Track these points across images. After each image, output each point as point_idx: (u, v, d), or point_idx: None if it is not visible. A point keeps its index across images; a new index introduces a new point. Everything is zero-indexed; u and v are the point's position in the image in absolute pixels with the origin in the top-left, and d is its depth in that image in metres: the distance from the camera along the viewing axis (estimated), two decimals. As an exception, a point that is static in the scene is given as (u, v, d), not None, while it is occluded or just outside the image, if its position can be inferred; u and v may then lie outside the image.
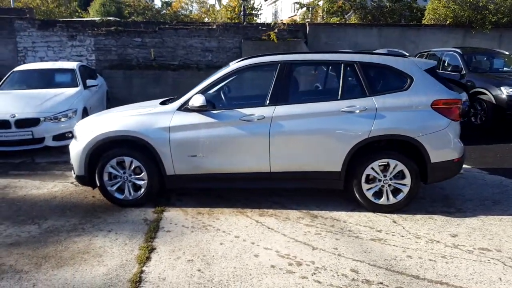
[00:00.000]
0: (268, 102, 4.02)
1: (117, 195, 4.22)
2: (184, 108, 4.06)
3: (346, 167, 3.96)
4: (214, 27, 12.09)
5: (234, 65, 4.22)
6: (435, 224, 3.75)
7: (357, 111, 3.88)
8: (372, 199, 4.02)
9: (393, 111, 3.89)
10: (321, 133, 3.93)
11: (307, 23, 13.21)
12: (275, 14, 38.52)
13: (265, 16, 38.90)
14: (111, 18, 13.40)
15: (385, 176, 3.96)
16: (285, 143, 3.98)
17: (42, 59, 11.09)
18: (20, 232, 3.65)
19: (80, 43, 11.41)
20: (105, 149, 4.15)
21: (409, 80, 3.96)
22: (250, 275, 2.89)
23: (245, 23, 12.77)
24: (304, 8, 20.82)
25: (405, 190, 3.97)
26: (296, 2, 22.59)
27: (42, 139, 6.18)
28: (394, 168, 3.93)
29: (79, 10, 25.08)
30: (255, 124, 3.96)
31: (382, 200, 4.01)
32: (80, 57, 11.43)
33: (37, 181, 5.10)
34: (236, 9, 28.29)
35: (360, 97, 3.94)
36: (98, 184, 4.20)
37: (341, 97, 3.98)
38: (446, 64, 9.63)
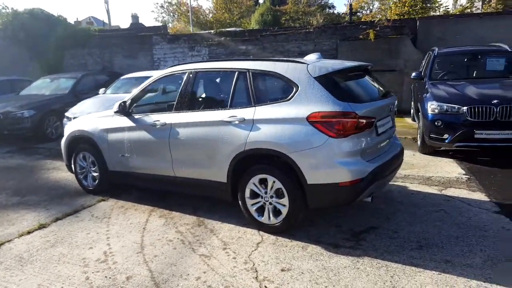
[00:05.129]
0: (174, 108, 4.24)
1: (83, 182, 5.23)
2: (117, 112, 4.70)
3: (231, 179, 3.82)
4: (311, 30, 12.00)
5: (156, 73, 4.60)
6: (293, 255, 3.24)
7: (236, 122, 3.69)
8: (255, 215, 3.75)
9: (269, 123, 3.53)
10: (208, 142, 3.89)
11: (417, 17, 11.53)
12: (455, 3, 33.69)
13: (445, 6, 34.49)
14: (223, 29, 14.93)
15: (266, 193, 3.64)
16: (180, 150, 4.12)
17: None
18: (5, 200, 5.06)
19: (197, 53, 13.26)
20: (77, 144, 5.19)
21: (294, 89, 3.49)
22: (58, 261, 3.34)
23: (345, 23, 12.12)
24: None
25: (284, 211, 3.55)
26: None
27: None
28: (272, 186, 3.57)
29: (243, 21, 28.32)
30: (158, 130, 4.26)
31: (264, 218, 3.70)
32: (196, 65, 13.29)
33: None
34: (407, 3, 26.33)
35: (246, 107, 3.72)
36: (74, 172, 5.31)
37: (230, 106, 3.83)
38: None
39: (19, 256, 3.49)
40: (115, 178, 4.89)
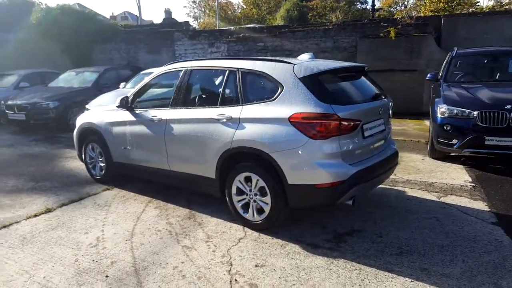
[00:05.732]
0: (170, 105, 4.41)
1: (92, 171, 5.54)
2: (119, 106, 4.93)
3: (219, 176, 3.95)
4: (330, 26, 11.91)
5: (157, 70, 4.79)
6: (270, 252, 3.33)
7: (224, 120, 3.81)
8: (240, 211, 3.87)
9: (254, 122, 3.62)
10: (198, 138, 4.02)
11: (442, 16, 11.17)
12: None
13: None
14: (243, 26, 15.00)
15: (250, 190, 3.75)
16: (175, 145, 4.29)
17: (190, 63, 13.71)
18: (22, 185, 5.44)
19: (216, 49, 13.47)
20: (87, 135, 5.49)
21: (279, 89, 3.56)
22: (55, 243, 3.60)
23: (365, 20, 11.91)
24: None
25: (266, 209, 3.65)
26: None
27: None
28: (256, 184, 3.68)
29: (269, 17, 28.31)
30: (155, 125, 4.45)
31: (248, 215, 3.81)
32: (217, 60, 13.50)
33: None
34: (443, -1, 25.38)
35: (234, 106, 3.82)
36: (84, 161, 5.63)
37: (220, 104, 3.95)
38: None
39: (22, 236, 3.79)
40: (119, 169, 5.14)
